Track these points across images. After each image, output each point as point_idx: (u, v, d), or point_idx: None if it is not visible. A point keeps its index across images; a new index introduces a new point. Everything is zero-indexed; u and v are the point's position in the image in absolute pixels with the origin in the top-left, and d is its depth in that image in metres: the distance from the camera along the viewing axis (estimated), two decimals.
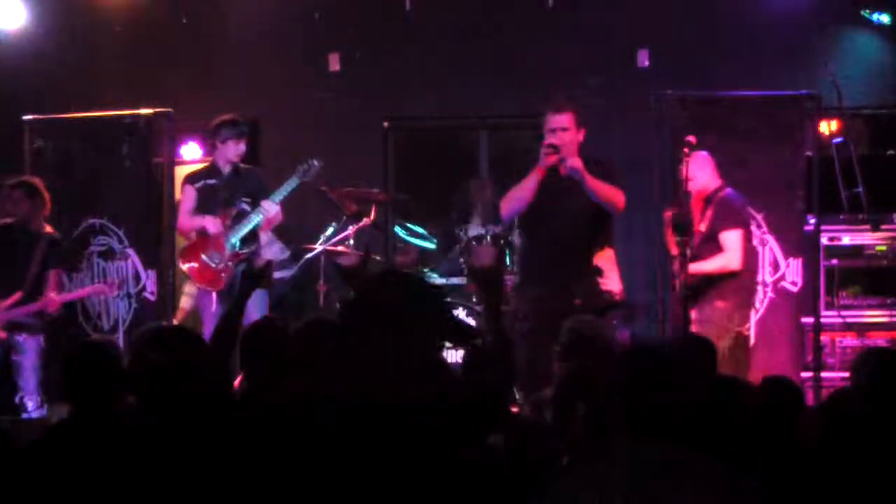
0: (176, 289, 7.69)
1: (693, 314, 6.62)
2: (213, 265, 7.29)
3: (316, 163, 7.27)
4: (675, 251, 6.47)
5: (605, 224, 6.40)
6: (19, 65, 8.95)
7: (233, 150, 7.32)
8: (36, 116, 7.53)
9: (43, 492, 3.48)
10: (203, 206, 7.37)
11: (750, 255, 6.81)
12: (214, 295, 7.35)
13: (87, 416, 3.69)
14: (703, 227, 6.79)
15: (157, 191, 7.46)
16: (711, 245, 6.73)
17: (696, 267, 6.62)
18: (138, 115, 7.43)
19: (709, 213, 6.80)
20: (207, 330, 7.32)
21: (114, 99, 8.05)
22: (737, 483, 2.61)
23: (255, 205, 7.24)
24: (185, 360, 3.89)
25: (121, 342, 7.10)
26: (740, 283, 6.75)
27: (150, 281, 7.35)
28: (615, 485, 2.50)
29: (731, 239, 6.70)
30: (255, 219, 7.22)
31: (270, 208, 7.19)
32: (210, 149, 7.52)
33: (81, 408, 3.73)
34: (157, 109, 7.42)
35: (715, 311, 6.68)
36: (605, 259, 6.34)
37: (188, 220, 7.37)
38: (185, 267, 7.40)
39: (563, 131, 6.21)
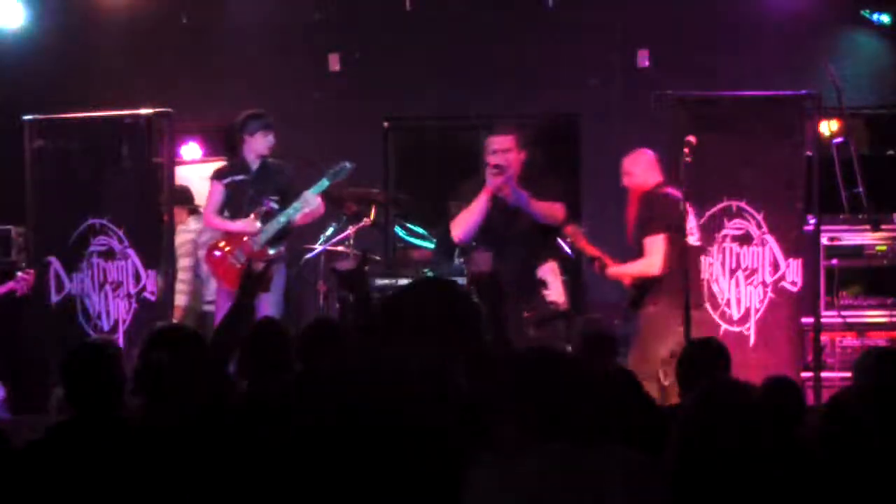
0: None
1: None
2: (239, 265, 7.29)
3: (347, 164, 7.29)
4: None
5: (549, 238, 6.86)
6: (19, 65, 8.96)
7: (262, 143, 7.37)
8: (36, 116, 7.52)
9: (42, 492, 3.48)
10: (230, 204, 7.39)
11: (678, 256, 6.80)
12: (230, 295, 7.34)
13: (87, 416, 3.69)
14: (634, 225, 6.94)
15: (157, 191, 7.45)
16: (640, 246, 6.91)
17: (617, 270, 6.91)
18: (138, 115, 7.41)
19: (639, 212, 6.95)
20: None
21: (114, 99, 8.05)
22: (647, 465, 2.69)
23: (284, 203, 7.25)
24: (184, 359, 3.90)
25: (121, 342, 7.10)
26: (668, 285, 6.79)
27: (150, 281, 7.34)
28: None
29: (651, 244, 6.83)
30: (291, 213, 7.20)
31: (313, 200, 7.20)
32: (238, 144, 7.53)
33: (81, 408, 3.73)
34: (157, 109, 7.41)
35: (650, 316, 6.80)
36: (549, 271, 6.60)
37: (215, 218, 7.45)
38: (208, 266, 7.42)
39: (506, 152, 6.55)
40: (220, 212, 7.51)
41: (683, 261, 6.78)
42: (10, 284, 7.36)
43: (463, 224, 6.65)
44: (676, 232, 6.76)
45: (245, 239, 7.27)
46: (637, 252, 6.92)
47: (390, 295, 3.21)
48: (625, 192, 7.19)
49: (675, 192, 6.83)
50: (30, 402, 7.29)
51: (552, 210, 6.65)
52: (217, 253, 7.42)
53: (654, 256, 6.82)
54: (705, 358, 4.69)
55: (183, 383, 3.83)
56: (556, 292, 6.55)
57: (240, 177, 7.41)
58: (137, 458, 3.41)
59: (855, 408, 3.78)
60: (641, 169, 7.01)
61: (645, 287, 6.84)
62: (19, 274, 7.38)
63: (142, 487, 3.31)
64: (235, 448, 3.15)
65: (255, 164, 7.43)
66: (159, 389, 3.84)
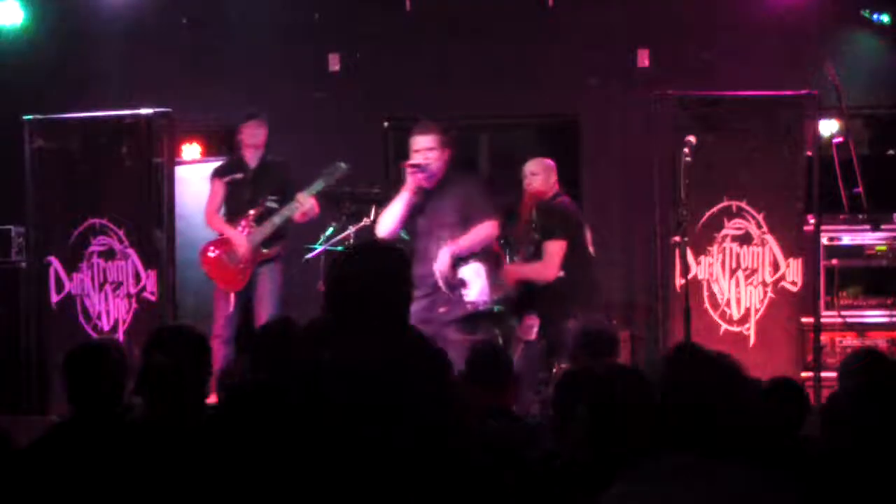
0: (176, 289, 7.68)
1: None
2: (233, 265, 7.33)
3: (343, 165, 7.37)
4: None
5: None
6: (19, 65, 8.95)
7: (249, 135, 7.43)
8: (36, 116, 7.52)
9: (43, 491, 3.48)
10: (229, 203, 7.46)
11: (579, 264, 6.94)
12: (232, 296, 7.36)
13: (88, 416, 3.69)
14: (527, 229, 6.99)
15: (157, 191, 7.45)
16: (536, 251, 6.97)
17: (514, 267, 6.98)
18: (138, 115, 7.42)
19: (535, 217, 7.00)
20: (218, 330, 7.34)
21: (114, 99, 8.05)
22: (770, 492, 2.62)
23: (282, 202, 7.30)
24: (184, 359, 3.89)
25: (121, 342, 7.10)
26: (552, 293, 6.87)
27: (150, 281, 7.35)
28: None
29: (551, 248, 6.89)
30: (286, 214, 7.28)
31: (306, 201, 7.25)
32: (236, 143, 7.65)
33: (82, 408, 3.73)
34: (157, 109, 7.42)
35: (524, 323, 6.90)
36: (471, 271, 6.55)
37: (214, 218, 7.51)
38: (204, 267, 7.44)
39: (428, 151, 6.48)
40: (220, 210, 7.54)
41: (587, 270, 6.97)
42: None
43: (385, 222, 6.58)
44: (574, 240, 6.92)
45: (239, 241, 7.32)
46: (531, 255, 7.00)
47: (334, 268, 3.12)
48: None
49: (570, 202, 7.10)
50: (30, 402, 7.29)
51: (484, 236, 6.54)
52: (211, 254, 7.45)
53: (550, 261, 6.89)
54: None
55: (183, 383, 3.83)
56: (475, 292, 6.50)
57: (238, 175, 7.47)
58: (138, 457, 3.41)
59: (844, 410, 3.79)
60: (546, 177, 7.13)
61: (530, 291, 6.91)
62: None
63: (142, 487, 3.31)
64: (236, 448, 3.14)
65: (253, 162, 7.47)
66: (160, 389, 3.83)
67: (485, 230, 6.53)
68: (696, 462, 2.59)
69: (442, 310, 6.43)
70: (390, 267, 2.98)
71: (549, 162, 7.28)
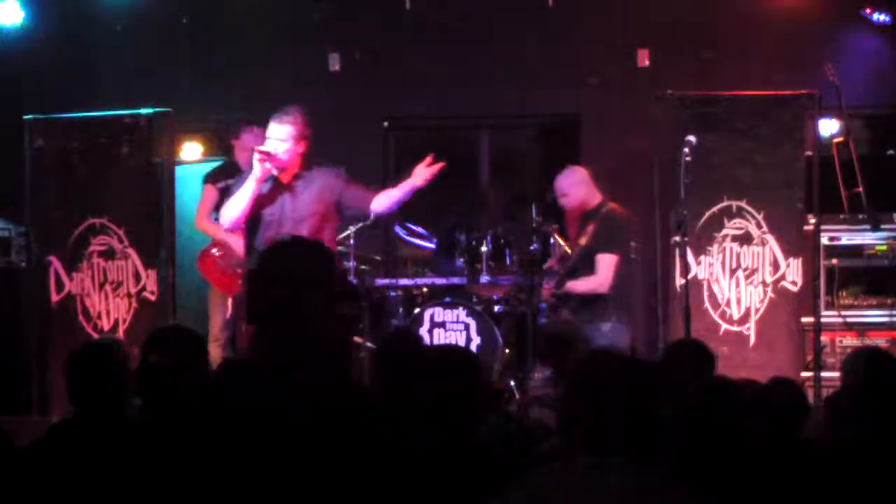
0: (176, 289, 7.68)
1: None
2: (230, 270, 7.32)
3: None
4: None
5: (331, 226, 6.50)
6: (19, 65, 8.95)
7: (248, 140, 7.42)
8: (36, 116, 7.52)
9: (44, 491, 3.48)
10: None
11: (625, 277, 6.98)
12: (229, 300, 7.36)
13: (89, 416, 3.69)
14: (583, 240, 6.92)
15: (156, 191, 7.45)
16: (589, 261, 6.95)
17: (570, 286, 6.99)
18: (138, 115, 7.42)
19: (590, 228, 7.00)
20: (216, 333, 7.34)
21: (114, 99, 8.05)
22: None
23: None
24: (182, 360, 3.88)
25: None
26: (605, 304, 6.93)
27: (150, 281, 7.35)
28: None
29: (605, 262, 6.91)
30: None
31: None
32: (230, 149, 7.64)
33: (83, 408, 3.73)
34: (157, 109, 7.42)
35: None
36: None
37: (206, 223, 7.49)
38: (201, 271, 7.43)
39: (280, 142, 6.30)
40: (210, 215, 7.53)
41: (627, 282, 7.00)
42: None
43: (230, 210, 6.38)
44: (625, 253, 6.97)
45: (236, 244, 7.30)
46: (580, 271, 7.01)
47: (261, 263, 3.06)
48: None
49: (623, 212, 7.08)
50: (30, 402, 7.29)
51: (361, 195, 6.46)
52: (208, 258, 7.44)
53: (604, 275, 6.93)
54: (689, 361, 4.66)
55: (181, 384, 3.82)
56: None
57: (232, 181, 7.43)
58: (139, 457, 3.40)
59: (846, 408, 3.79)
60: (582, 189, 7.12)
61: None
62: None
63: (143, 487, 3.31)
64: (237, 448, 3.14)
65: (247, 167, 7.44)
66: (158, 390, 3.83)
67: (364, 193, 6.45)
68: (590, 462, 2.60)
69: None
70: (311, 266, 2.92)
71: (577, 173, 7.21)
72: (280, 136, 6.31)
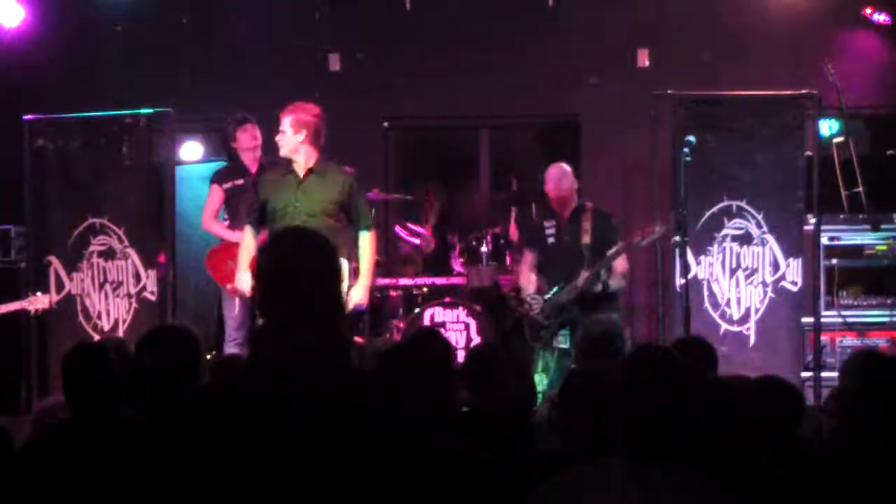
0: (176, 289, 7.68)
1: None
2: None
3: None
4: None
5: (342, 224, 6.49)
6: (19, 65, 8.95)
7: (245, 140, 7.43)
8: (36, 116, 7.52)
9: (40, 491, 3.47)
10: (230, 208, 7.43)
11: None
12: (238, 300, 7.34)
13: (85, 416, 3.68)
14: (585, 239, 6.94)
15: (157, 191, 7.45)
16: (598, 255, 6.99)
17: (616, 264, 6.98)
18: (138, 115, 7.42)
19: (587, 226, 7.07)
20: (232, 334, 7.33)
21: (114, 99, 8.05)
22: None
23: None
24: (176, 361, 3.87)
25: None
26: (615, 296, 7.08)
27: (150, 281, 7.35)
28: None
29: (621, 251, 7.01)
30: None
31: None
32: (232, 151, 7.63)
33: (79, 408, 3.72)
34: (157, 109, 7.42)
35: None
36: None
37: (213, 223, 7.48)
38: (210, 270, 7.42)
39: (281, 131, 6.40)
40: (219, 216, 7.53)
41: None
42: (20, 304, 7.15)
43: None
44: None
45: None
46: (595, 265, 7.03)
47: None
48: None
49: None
50: (30, 402, 7.29)
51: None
52: (217, 258, 7.43)
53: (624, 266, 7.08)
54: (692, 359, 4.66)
55: (176, 384, 3.82)
56: None
57: (239, 181, 7.44)
58: (135, 458, 3.40)
59: (846, 410, 3.79)
60: (569, 183, 7.23)
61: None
62: (36, 295, 7.06)
63: (139, 487, 3.31)
64: (235, 447, 3.14)
65: (253, 167, 7.45)
66: (155, 390, 3.83)
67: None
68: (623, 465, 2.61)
69: None
70: (313, 254, 2.91)
71: (569, 170, 7.34)
72: (282, 127, 6.41)
